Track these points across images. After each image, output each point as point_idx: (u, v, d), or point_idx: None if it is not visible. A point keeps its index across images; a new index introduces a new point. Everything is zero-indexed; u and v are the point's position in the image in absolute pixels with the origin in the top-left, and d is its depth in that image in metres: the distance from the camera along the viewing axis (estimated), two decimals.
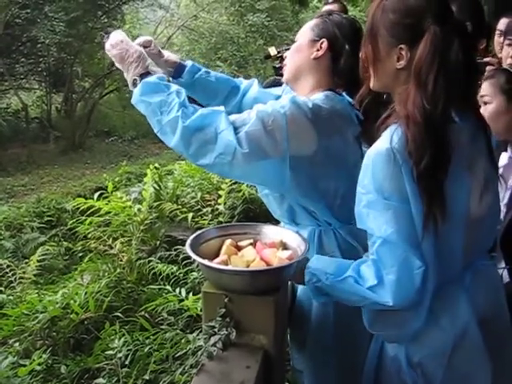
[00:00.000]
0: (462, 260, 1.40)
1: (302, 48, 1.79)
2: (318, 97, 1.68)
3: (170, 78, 1.97)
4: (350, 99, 1.74)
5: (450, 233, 1.33)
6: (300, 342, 1.78)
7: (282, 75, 2.07)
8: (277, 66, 3.39)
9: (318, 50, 1.74)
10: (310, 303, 1.73)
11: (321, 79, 1.76)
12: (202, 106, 2.06)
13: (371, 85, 1.43)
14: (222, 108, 1.60)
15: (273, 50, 3.41)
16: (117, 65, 1.70)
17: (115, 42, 1.68)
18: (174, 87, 1.62)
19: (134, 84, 1.64)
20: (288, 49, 1.90)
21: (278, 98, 2.01)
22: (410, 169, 1.26)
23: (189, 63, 2.00)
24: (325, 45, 1.74)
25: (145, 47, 1.79)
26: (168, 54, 1.97)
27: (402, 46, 1.31)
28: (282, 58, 2.97)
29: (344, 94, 1.76)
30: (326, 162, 1.63)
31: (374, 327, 1.47)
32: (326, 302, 1.53)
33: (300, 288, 1.77)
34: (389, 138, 1.29)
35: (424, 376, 1.42)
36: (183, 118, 1.53)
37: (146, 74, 1.65)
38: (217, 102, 2.02)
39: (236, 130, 1.53)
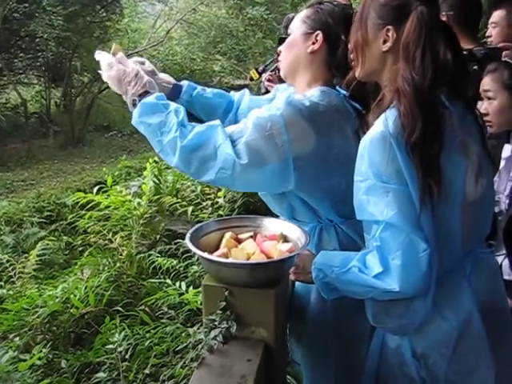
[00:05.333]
0: (461, 246, 1.40)
1: (297, 42, 1.72)
2: (314, 93, 1.64)
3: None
4: (345, 92, 1.71)
5: (447, 214, 1.34)
6: (298, 335, 1.78)
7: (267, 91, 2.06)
8: (263, 86, 3.33)
9: (313, 43, 1.69)
10: (308, 297, 1.72)
11: (318, 72, 1.71)
12: (202, 122, 2.08)
13: (357, 74, 1.46)
14: (217, 122, 1.58)
15: (255, 74, 3.38)
16: (114, 88, 1.68)
17: (109, 62, 1.67)
18: (173, 106, 1.60)
19: (134, 105, 1.62)
20: (267, 66, 1.88)
21: (271, 101, 2.00)
22: (404, 147, 1.26)
23: (185, 83, 1.99)
24: (320, 37, 1.68)
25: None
26: (163, 76, 1.95)
27: (389, 27, 1.36)
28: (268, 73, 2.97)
29: (338, 87, 1.72)
30: (327, 159, 1.60)
31: (378, 319, 1.45)
32: (333, 297, 1.50)
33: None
34: (383, 123, 1.30)
35: (427, 368, 1.42)
36: (181, 137, 1.52)
37: (145, 93, 1.63)
38: (216, 116, 2.02)
39: (234, 142, 1.52)
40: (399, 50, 1.33)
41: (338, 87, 1.72)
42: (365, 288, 1.35)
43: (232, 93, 2.10)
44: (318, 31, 1.68)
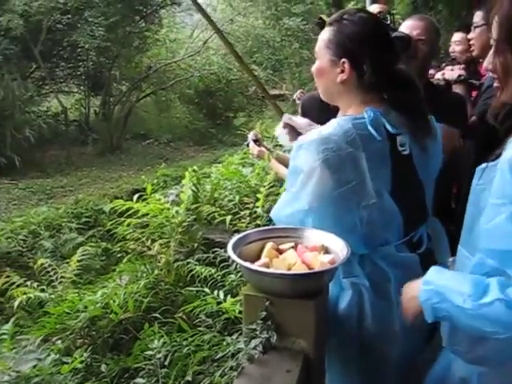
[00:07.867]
0: None
1: (325, 70, 1.71)
2: (331, 125, 1.62)
3: None
4: (375, 114, 1.62)
5: None
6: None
7: None
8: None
9: (342, 71, 1.66)
10: (335, 303, 1.70)
11: (355, 97, 1.69)
12: None
13: (505, 97, 1.24)
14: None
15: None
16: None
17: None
18: None
19: None
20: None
21: None
22: None
23: None
24: (346, 65, 1.65)
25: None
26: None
27: None
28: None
29: (369, 110, 1.64)
30: (344, 195, 1.58)
31: (453, 342, 1.39)
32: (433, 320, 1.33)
33: None
34: None
35: None
36: None
37: None
38: None
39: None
40: None
41: (369, 110, 1.63)
42: (500, 326, 1.16)
43: None
44: (344, 59, 1.65)
